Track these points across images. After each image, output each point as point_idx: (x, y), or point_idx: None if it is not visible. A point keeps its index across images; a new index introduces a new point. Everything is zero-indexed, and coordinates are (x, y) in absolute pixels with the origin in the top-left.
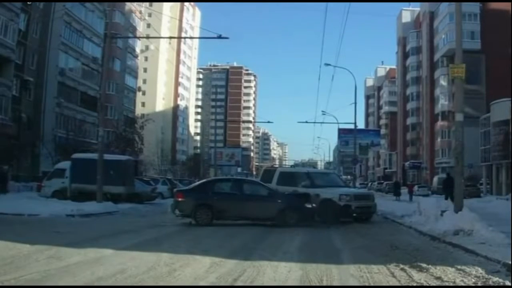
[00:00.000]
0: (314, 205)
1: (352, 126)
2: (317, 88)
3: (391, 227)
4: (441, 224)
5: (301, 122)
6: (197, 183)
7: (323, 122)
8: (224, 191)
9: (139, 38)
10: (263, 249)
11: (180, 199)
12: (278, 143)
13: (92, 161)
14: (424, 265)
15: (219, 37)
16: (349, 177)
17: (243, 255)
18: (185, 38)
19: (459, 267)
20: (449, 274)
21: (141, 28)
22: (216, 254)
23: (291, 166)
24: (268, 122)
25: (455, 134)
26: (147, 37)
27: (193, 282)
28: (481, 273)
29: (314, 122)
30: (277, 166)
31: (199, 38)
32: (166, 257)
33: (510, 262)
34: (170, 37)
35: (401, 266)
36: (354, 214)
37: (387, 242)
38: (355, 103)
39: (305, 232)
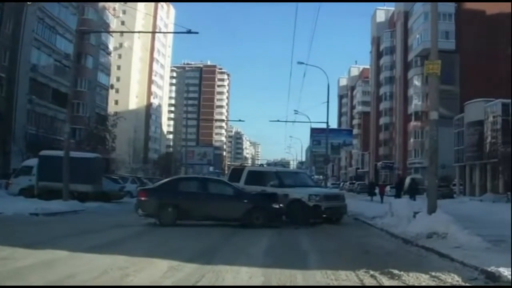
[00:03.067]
0: (282, 205)
1: (324, 126)
2: (290, 87)
3: (362, 228)
4: (414, 226)
5: (272, 120)
6: (161, 181)
7: (294, 121)
8: (189, 190)
9: (108, 32)
10: (226, 252)
11: (143, 199)
12: (250, 143)
13: (60, 158)
14: (395, 271)
15: (189, 32)
16: (321, 177)
17: (204, 259)
18: (155, 32)
19: (433, 273)
20: (423, 281)
21: (114, 25)
22: (175, 257)
23: (260, 165)
24: (240, 120)
25: (429, 133)
26: (117, 32)
27: None
28: (457, 281)
29: (286, 121)
30: (245, 165)
31: (169, 33)
32: (122, 260)
33: (488, 269)
34: (140, 32)
35: (371, 272)
36: (324, 215)
37: (357, 245)
38: (328, 102)
39: (272, 233)
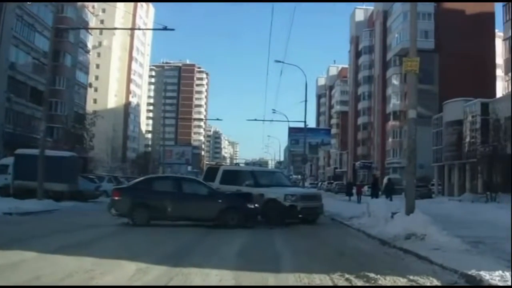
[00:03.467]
0: (257, 205)
1: (302, 125)
2: (268, 86)
3: (338, 229)
4: (392, 227)
5: (250, 120)
6: (135, 181)
7: (272, 120)
8: (162, 190)
9: (84, 28)
10: (197, 253)
11: (116, 198)
12: (229, 142)
13: (36, 157)
14: (372, 274)
15: (165, 28)
16: (299, 176)
17: (174, 261)
18: (131, 29)
19: (411, 277)
20: (400, 286)
21: (93, 23)
22: (145, 259)
23: (235, 164)
24: (217, 119)
25: (407, 132)
26: (93, 28)
27: None
28: (436, 285)
29: (263, 120)
30: (221, 163)
31: (145, 29)
32: (90, 262)
33: (468, 272)
34: (115, 28)
35: (346, 276)
36: (300, 215)
37: (333, 246)
38: (306, 101)
39: (246, 234)
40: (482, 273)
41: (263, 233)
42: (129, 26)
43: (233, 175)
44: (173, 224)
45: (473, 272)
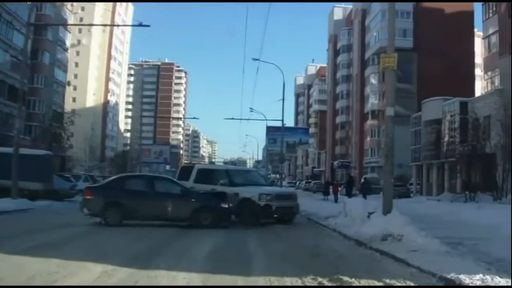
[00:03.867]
0: (231, 204)
1: (280, 124)
2: (246, 84)
3: (314, 229)
4: (368, 228)
5: (227, 118)
6: (108, 179)
7: (249, 119)
8: (135, 189)
9: (61, 25)
10: (167, 254)
11: (88, 197)
12: (208, 141)
13: (10, 155)
14: (346, 278)
15: (140, 25)
16: (277, 176)
17: (142, 263)
18: (106, 25)
19: (388, 281)
20: None
21: (72, 21)
22: (112, 261)
23: (210, 162)
24: (194, 118)
25: (385, 130)
26: (69, 25)
27: None
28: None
29: (240, 119)
30: (197, 162)
31: (120, 25)
32: (55, 264)
33: (447, 276)
34: (91, 25)
35: (319, 279)
36: (275, 215)
37: (308, 247)
38: (283, 99)
39: (220, 234)
40: (462, 276)
41: (237, 234)
42: (108, 23)
43: (208, 174)
44: (146, 224)
45: (452, 275)
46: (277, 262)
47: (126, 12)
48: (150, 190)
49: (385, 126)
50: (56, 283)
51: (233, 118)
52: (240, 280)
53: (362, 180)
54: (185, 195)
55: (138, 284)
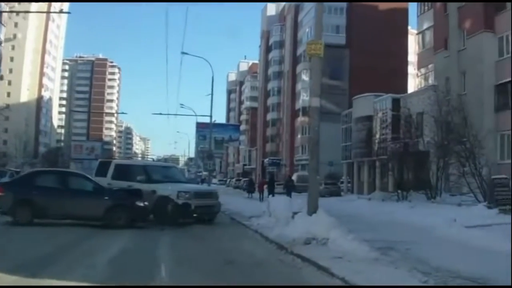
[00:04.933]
0: (147, 203)
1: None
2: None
3: (235, 230)
4: (292, 229)
5: (155, 113)
6: (20, 175)
7: (176, 114)
8: (47, 185)
9: None
10: (66, 260)
11: None
12: (141, 138)
13: None
14: None
15: (61, 12)
16: (206, 173)
17: (33, 269)
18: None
19: None
20: None
21: (6, 15)
22: (1, 267)
23: (128, 158)
24: (123, 113)
25: (310, 122)
26: None
27: None
28: None
29: (168, 114)
30: (115, 157)
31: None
32: None
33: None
34: (11, 12)
35: None
36: (195, 215)
37: (224, 251)
38: (212, 94)
39: (132, 235)
40: None
41: (151, 235)
42: (44, 17)
43: (125, 170)
44: (58, 224)
45: None
46: (185, 269)
47: (61, 6)
48: (62, 186)
49: (310, 118)
50: None
51: (160, 114)
52: None
53: (286, 178)
54: (97, 193)
55: None
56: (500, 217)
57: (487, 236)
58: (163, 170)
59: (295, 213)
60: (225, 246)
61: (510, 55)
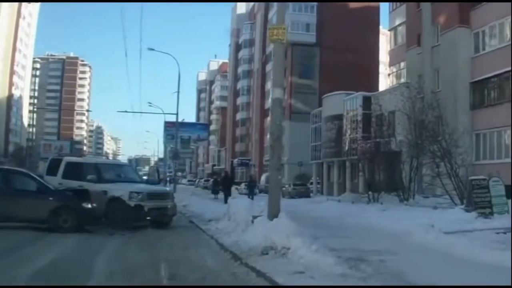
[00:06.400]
0: (95, 204)
1: (179, 119)
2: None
3: (191, 235)
4: (250, 235)
5: (120, 111)
6: None
7: (143, 112)
8: None
9: None
10: None
11: None
12: (112, 138)
13: None
14: None
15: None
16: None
17: None
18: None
19: None
20: None
21: None
22: None
23: (80, 155)
24: (88, 110)
25: (271, 116)
26: None
27: None
28: None
29: (133, 112)
30: (65, 154)
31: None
32: None
33: None
34: None
35: None
36: (148, 217)
37: (170, 262)
38: (178, 92)
39: (75, 241)
40: None
41: (95, 241)
42: (14, 14)
43: (76, 168)
44: (1, 226)
45: None
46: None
47: (32, 4)
48: (4, 185)
49: (271, 111)
50: None
51: (126, 111)
52: None
53: (249, 178)
54: (42, 193)
55: None
56: (479, 221)
57: (470, 244)
58: (116, 168)
59: (255, 217)
60: (173, 255)
61: (486, 51)
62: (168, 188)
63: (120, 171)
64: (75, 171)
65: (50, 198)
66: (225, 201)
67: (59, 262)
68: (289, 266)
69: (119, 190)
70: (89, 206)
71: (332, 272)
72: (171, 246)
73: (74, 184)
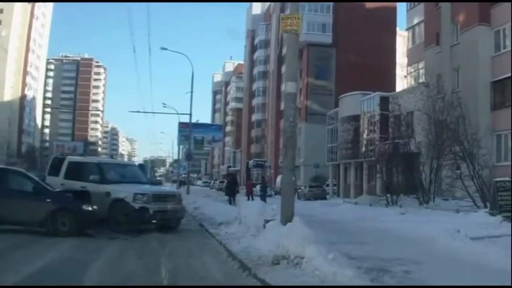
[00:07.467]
0: (95, 207)
1: (194, 120)
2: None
3: (198, 240)
4: (261, 242)
5: (132, 111)
6: None
7: (156, 112)
8: None
9: None
10: None
11: None
12: (127, 139)
13: None
14: None
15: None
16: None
17: None
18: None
19: None
20: None
21: None
22: None
23: (82, 154)
24: (99, 110)
25: (284, 112)
26: None
27: None
28: None
29: (145, 112)
30: (68, 153)
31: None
32: None
33: None
34: None
35: None
36: (154, 220)
37: (171, 273)
38: (192, 92)
39: (71, 246)
40: None
41: (93, 246)
42: (28, 15)
43: (79, 168)
44: None
45: None
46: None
47: (45, 5)
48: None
49: (284, 106)
50: None
51: (138, 111)
52: None
53: (261, 179)
54: (38, 194)
55: None
56: (505, 226)
57: (500, 252)
58: (120, 168)
59: (267, 221)
60: (176, 263)
61: (508, 49)
62: (175, 189)
63: (124, 171)
64: (78, 171)
65: (48, 200)
66: (229, 203)
67: (48, 270)
68: (302, 278)
69: (123, 191)
70: (89, 208)
71: (351, 285)
72: (174, 253)
73: (77, 185)
